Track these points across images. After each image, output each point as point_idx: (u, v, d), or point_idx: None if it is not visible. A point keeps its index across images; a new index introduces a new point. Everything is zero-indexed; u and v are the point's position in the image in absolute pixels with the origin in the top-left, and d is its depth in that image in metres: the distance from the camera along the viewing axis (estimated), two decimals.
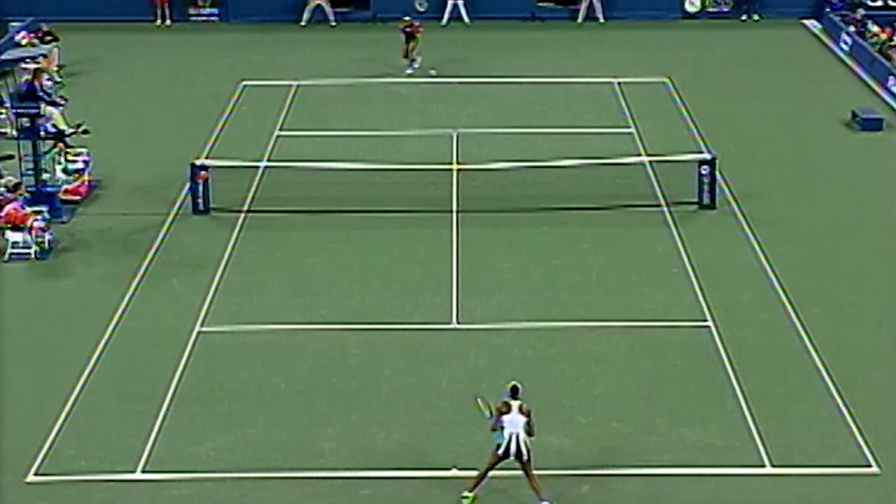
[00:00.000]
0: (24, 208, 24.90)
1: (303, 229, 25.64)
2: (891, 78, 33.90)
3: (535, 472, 16.85)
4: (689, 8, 42.15)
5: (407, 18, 36.17)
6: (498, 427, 16.81)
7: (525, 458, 16.74)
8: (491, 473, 16.97)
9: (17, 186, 25.68)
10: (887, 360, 20.73)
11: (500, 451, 16.73)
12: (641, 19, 41.30)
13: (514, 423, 16.72)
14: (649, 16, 41.51)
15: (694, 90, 33.95)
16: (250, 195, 27.04)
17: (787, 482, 17.59)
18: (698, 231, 25.46)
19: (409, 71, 35.47)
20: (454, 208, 26.36)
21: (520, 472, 16.86)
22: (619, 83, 34.51)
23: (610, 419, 18.94)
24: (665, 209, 26.36)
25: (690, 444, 18.39)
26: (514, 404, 16.81)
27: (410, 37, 35.60)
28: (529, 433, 16.79)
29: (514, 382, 17.06)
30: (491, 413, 16.95)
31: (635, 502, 17.19)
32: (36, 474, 17.79)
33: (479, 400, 17.30)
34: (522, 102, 33.30)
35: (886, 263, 24.13)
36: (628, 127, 31.24)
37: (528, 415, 16.76)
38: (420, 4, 36.19)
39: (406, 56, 35.73)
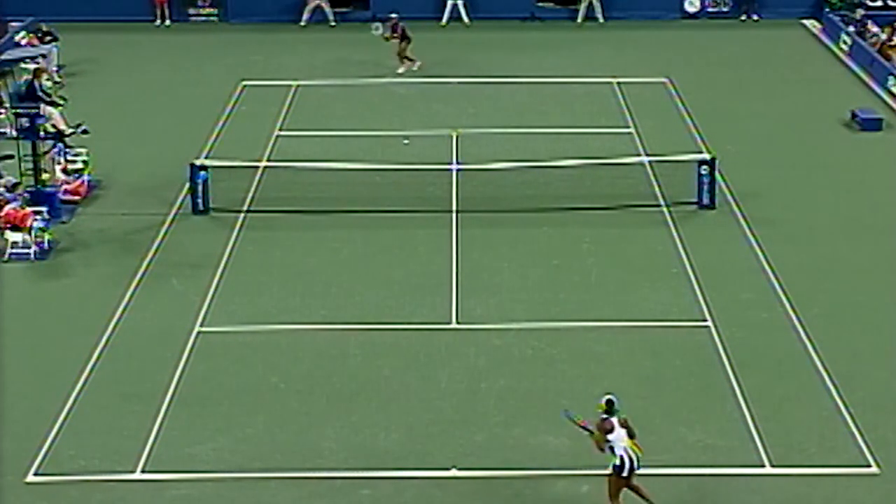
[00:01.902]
0: (23, 208, 24.91)
1: (303, 229, 25.65)
2: (890, 78, 33.90)
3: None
4: (688, 8, 42.16)
5: (394, 16, 35.90)
6: (607, 448, 16.41)
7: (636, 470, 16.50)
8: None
9: (15, 186, 25.72)
10: (887, 360, 20.74)
11: (625, 474, 16.40)
12: (641, 19, 41.30)
13: (619, 439, 16.38)
14: (649, 16, 41.51)
15: (694, 90, 33.95)
16: (250, 195, 27.05)
17: (787, 482, 17.61)
18: (698, 231, 25.47)
19: (411, 68, 35.49)
20: (454, 208, 26.36)
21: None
22: (618, 83, 34.51)
23: None
24: (665, 209, 26.37)
25: (690, 444, 18.40)
26: (615, 420, 16.46)
27: (404, 36, 35.49)
28: (632, 436, 16.52)
29: (608, 396, 16.63)
30: (583, 426, 16.58)
31: (635, 502, 17.18)
32: (36, 474, 17.80)
33: (569, 417, 16.87)
34: (522, 102, 33.31)
35: (886, 263, 24.14)
36: (628, 127, 31.25)
37: (626, 425, 16.47)
38: (375, 29, 35.81)
39: (401, 56, 35.62)
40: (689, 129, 31.20)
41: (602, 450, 16.50)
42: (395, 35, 35.47)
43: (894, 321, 21.98)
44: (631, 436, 16.50)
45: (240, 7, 41.61)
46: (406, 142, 30.13)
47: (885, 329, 21.72)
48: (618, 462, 16.38)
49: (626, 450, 16.37)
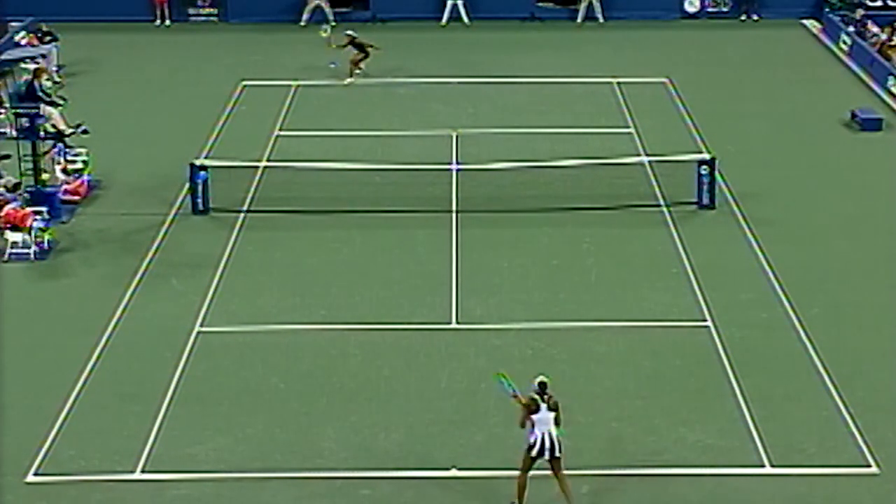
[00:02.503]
0: (22, 208, 24.91)
1: (303, 229, 25.65)
2: (890, 78, 33.91)
3: (564, 472, 16.75)
4: (688, 8, 42.17)
5: (350, 33, 35.29)
6: (528, 426, 16.60)
7: (556, 454, 16.58)
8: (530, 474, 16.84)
9: (16, 186, 25.73)
10: (887, 360, 20.74)
11: (534, 453, 16.56)
12: (641, 19, 41.30)
13: (543, 421, 16.52)
14: (649, 16, 41.51)
15: (694, 90, 33.96)
16: (250, 195, 27.05)
17: (787, 482, 17.61)
18: (698, 231, 25.47)
19: (350, 80, 34.97)
20: (454, 208, 26.37)
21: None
22: (618, 83, 34.51)
23: (610, 419, 18.95)
24: (665, 209, 26.37)
25: (690, 444, 18.40)
26: (542, 401, 16.60)
27: (363, 49, 34.94)
28: (556, 423, 16.65)
29: (541, 377, 16.82)
30: (513, 389, 16.75)
31: (635, 502, 17.20)
32: (36, 474, 17.80)
33: (504, 388, 16.93)
34: (522, 102, 33.30)
35: (886, 263, 24.14)
36: (628, 127, 31.25)
37: (556, 408, 16.63)
38: (324, 31, 35.42)
39: (355, 65, 34.99)
40: (689, 129, 31.20)
41: (523, 426, 16.63)
42: (355, 44, 34.99)
43: (894, 321, 21.99)
44: (557, 422, 16.62)
45: (240, 7, 41.62)
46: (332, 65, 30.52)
47: (885, 329, 21.72)
48: (531, 441, 16.52)
49: (546, 433, 16.47)
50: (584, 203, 26.39)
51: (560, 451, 16.61)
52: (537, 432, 16.54)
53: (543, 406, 16.57)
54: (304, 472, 17.79)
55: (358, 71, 35.05)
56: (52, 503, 17.27)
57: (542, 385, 16.74)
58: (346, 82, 34.90)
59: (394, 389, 19.90)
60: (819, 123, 31.81)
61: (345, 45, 34.93)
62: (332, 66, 29.14)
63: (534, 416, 16.54)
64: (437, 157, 28.79)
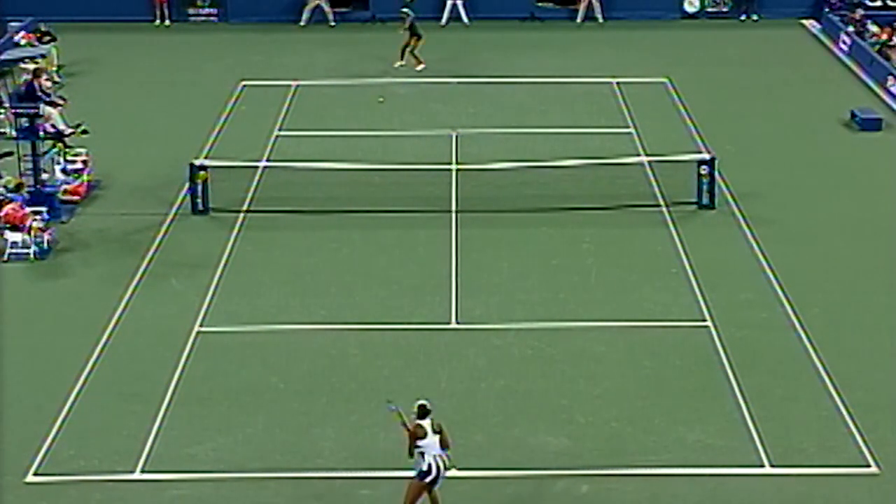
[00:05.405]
0: (23, 208, 24.91)
1: (302, 229, 25.65)
2: (890, 78, 33.91)
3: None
4: (688, 8, 42.17)
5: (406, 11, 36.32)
6: (417, 453, 16.19)
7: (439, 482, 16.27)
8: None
9: (18, 187, 25.71)
10: (887, 360, 20.74)
11: (428, 480, 16.17)
12: (641, 19, 41.30)
13: (432, 446, 16.13)
14: (649, 16, 41.51)
15: (693, 90, 33.95)
16: (249, 195, 27.05)
17: (786, 482, 17.61)
18: (697, 231, 25.47)
19: (413, 67, 35.77)
20: (453, 208, 26.37)
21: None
22: (618, 83, 34.51)
23: (609, 419, 18.96)
24: (664, 209, 26.37)
25: (690, 444, 18.40)
26: (427, 425, 16.21)
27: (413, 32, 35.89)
28: (445, 446, 16.25)
29: (421, 402, 16.43)
30: (404, 423, 16.33)
31: (635, 502, 17.21)
32: (36, 474, 17.80)
33: (395, 410, 16.55)
34: (522, 102, 33.30)
35: (886, 263, 24.14)
36: (628, 127, 31.25)
37: (440, 431, 16.21)
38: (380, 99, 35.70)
39: (413, 54, 35.91)
40: (689, 129, 31.20)
41: (412, 454, 16.27)
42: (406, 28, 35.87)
43: (894, 321, 21.99)
44: (444, 444, 16.23)
45: (240, 7, 41.61)
46: (381, 100, 31.45)
47: (885, 329, 21.72)
48: (425, 468, 16.16)
49: (435, 457, 16.14)
50: (583, 203, 26.39)
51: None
52: (428, 458, 16.12)
53: (429, 430, 16.16)
54: (304, 472, 17.78)
55: (411, 58, 35.86)
56: (52, 503, 17.28)
57: (423, 409, 16.30)
58: (418, 68, 35.77)
59: (393, 389, 19.85)
60: (819, 123, 31.81)
61: (407, 28, 35.80)
62: (380, 100, 30.22)
63: (421, 443, 16.12)
64: (437, 157, 28.80)
